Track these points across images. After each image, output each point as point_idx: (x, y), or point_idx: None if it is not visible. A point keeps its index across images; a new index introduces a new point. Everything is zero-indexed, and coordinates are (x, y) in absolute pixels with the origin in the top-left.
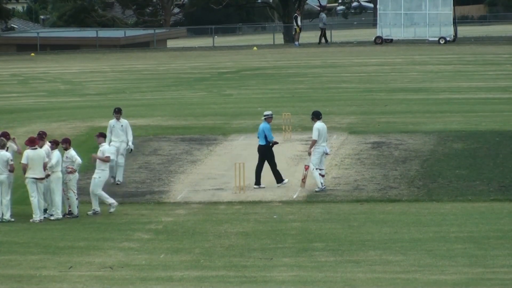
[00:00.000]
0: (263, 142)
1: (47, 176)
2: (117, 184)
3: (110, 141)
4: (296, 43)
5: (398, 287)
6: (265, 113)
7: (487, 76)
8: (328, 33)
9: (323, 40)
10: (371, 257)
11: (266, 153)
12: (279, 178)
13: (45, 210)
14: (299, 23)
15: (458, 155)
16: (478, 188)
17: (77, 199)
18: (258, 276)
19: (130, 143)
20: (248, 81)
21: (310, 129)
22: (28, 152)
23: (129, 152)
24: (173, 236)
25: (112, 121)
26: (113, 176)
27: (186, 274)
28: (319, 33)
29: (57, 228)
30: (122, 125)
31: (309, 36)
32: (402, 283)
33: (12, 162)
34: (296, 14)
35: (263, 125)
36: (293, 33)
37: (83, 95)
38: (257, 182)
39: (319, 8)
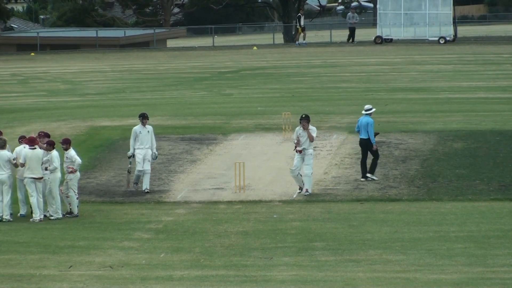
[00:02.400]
0: (365, 136)
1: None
2: (147, 192)
3: (134, 148)
4: (297, 42)
5: (398, 286)
6: (367, 107)
7: (487, 76)
8: (327, 33)
9: (351, 39)
10: (371, 257)
11: (368, 146)
12: (364, 172)
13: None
14: (301, 23)
15: (458, 154)
16: (478, 187)
17: (77, 198)
18: (258, 276)
19: (154, 150)
20: (248, 81)
21: None
22: (26, 152)
23: (154, 159)
24: (173, 236)
25: (137, 128)
26: (136, 182)
27: (186, 274)
28: (319, 32)
29: (57, 228)
30: (148, 131)
31: (309, 36)
32: (402, 283)
33: (15, 161)
34: (299, 14)
35: (365, 119)
36: (293, 32)
37: (83, 94)
38: (364, 174)
39: (318, 8)
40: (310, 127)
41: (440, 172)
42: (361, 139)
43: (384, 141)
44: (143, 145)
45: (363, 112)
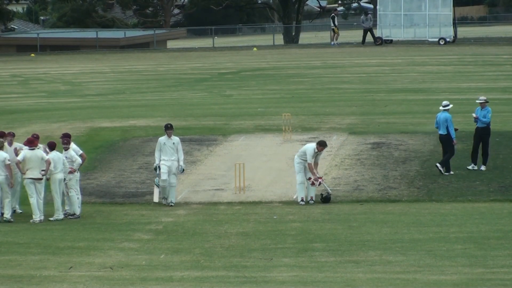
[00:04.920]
0: (445, 132)
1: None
2: (171, 205)
3: (160, 160)
4: (332, 43)
5: (398, 287)
6: (445, 103)
7: (487, 77)
8: (327, 34)
9: (371, 40)
10: (371, 258)
11: (448, 142)
12: (448, 168)
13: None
14: (336, 23)
15: (458, 155)
16: (478, 188)
17: (78, 198)
18: (258, 277)
19: (181, 163)
20: (248, 82)
21: (310, 129)
22: (25, 153)
23: (181, 172)
24: (173, 237)
25: (162, 138)
26: (164, 197)
27: (186, 275)
28: (319, 33)
29: (57, 229)
30: (173, 143)
31: (309, 37)
32: (402, 284)
33: (9, 162)
34: (333, 14)
35: (444, 115)
36: (294, 33)
37: (83, 95)
38: (447, 169)
39: (318, 9)
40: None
41: (440, 173)
42: (440, 135)
43: (384, 142)
44: (168, 157)
45: (441, 108)
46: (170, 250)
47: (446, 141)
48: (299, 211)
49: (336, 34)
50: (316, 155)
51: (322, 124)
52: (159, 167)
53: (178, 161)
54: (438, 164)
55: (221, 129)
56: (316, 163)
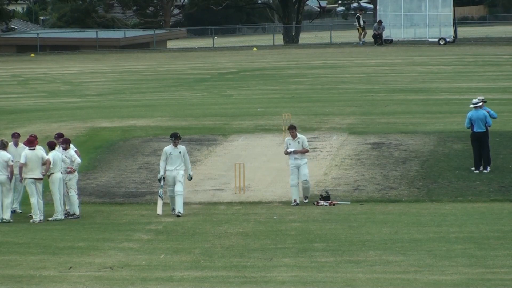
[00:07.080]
0: (482, 129)
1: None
2: (178, 216)
3: (165, 170)
4: (360, 42)
5: (398, 287)
6: (475, 101)
7: (487, 77)
8: (327, 34)
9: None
10: (371, 258)
11: (486, 139)
12: (479, 165)
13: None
14: (361, 23)
15: (458, 155)
16: (478, 188)
17: (78, 198)
18: (258, 277)
19: (189, 171)
20: (248, 82)
21: (310, 129)
22: (26, 153)
23: (189, 180)
24: (173, 237)
25: (168, 148)
26: (174, 207)
27: (186, 275)
28: (319, 33)
29: (57, 229)
30: (180, 152)
31: (309, 37)
32: (402, 284)
33: (12, 163)
34: (358, 14)
35: (481, 112)
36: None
37: (83, 95)
38: (477, 167)
39: (318, 9)
40: (299, 136)
41: (440, 173)
42: (476, 132)
43: (384, 142)
44: (174, 167)
45: (471, 106)
46: (170, 250)
47: (483, 137)
48: (299, 211)
49: (360, 34)
50: (294, 141)
51: (322, 124)
52: (163, 178)
53: (186, 170)
54: (485, 171)
55: (221, 129)
56: (306, 150)
